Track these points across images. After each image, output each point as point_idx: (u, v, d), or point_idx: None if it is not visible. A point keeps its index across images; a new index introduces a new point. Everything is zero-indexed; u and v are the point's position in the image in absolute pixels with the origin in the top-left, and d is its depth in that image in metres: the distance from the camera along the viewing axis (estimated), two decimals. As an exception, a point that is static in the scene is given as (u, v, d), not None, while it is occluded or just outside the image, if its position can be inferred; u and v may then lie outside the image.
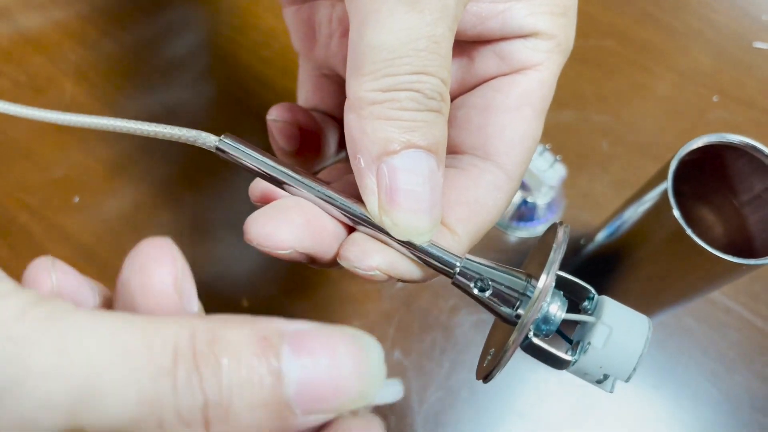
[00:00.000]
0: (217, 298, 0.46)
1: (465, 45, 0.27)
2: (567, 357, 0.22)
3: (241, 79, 0.55)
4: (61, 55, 0.54)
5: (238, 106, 0.53)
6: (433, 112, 0.22)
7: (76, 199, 0.49)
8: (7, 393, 0.14)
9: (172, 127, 0.24)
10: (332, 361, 0.18)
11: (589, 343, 0.22)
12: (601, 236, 0.44)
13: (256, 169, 0.23)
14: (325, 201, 0.23)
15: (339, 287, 0.46)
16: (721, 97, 0.55)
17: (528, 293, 0.22)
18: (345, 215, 0.23)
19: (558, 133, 0.51)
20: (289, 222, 0.23)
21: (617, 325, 0.22)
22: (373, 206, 0.22)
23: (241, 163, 0.23)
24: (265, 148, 0.30)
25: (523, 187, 0.46)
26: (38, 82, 0.53)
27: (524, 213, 0.47)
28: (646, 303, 0.43)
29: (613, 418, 0.44)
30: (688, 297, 0.40)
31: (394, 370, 0.44)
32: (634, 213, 0.39)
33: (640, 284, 0.42)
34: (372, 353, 0.18)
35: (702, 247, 0.33)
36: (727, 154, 0.37)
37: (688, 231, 0.33)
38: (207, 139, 0.24)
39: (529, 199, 0.47)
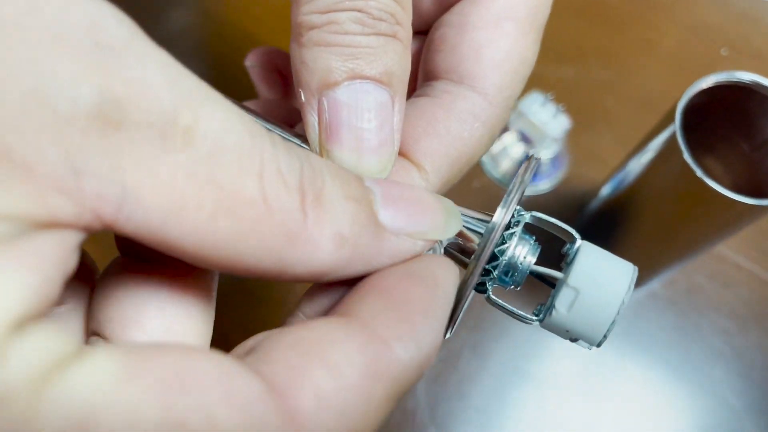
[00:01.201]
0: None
1: None
2: (530, 317, 0.20)
3: (234, 47, 0.53)
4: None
5: (234, 72, 0.52)
6: (384, 36, 0.19)
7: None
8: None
9: None
10: (416, 192, 0.19)
11: (553, 306, 0.19)
12: (606, 190, 0.42)
13: None
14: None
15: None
16: (730, 51, 0.53)
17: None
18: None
19: (562, 90, 0.49)
20: None
21: (586, 286, 0.19)
22: (315, 145, 0.20)
23: None
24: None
25: (525, 140, 0.45)
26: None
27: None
28: (654, 256, 0.41)
29: (621, 377, 0.42)
30: (698, 247, 0.39)
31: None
32: (638, 163, 0.38)
33: (649, 236, 0.40)
34: (450, 203, 0.19)
35: (713, 188, 0.32)
36: (737, 96, 0.35)
37: (699, 172, 0.32)
38: None
39: (531, 154, 0.45)
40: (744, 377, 0.43)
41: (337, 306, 0.18)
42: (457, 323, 0.20)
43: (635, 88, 0.51)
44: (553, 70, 0.50)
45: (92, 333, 0.18)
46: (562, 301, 0.19)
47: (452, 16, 0.24)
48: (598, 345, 0.19)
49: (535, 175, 0.46)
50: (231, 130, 0.15)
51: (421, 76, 0.24)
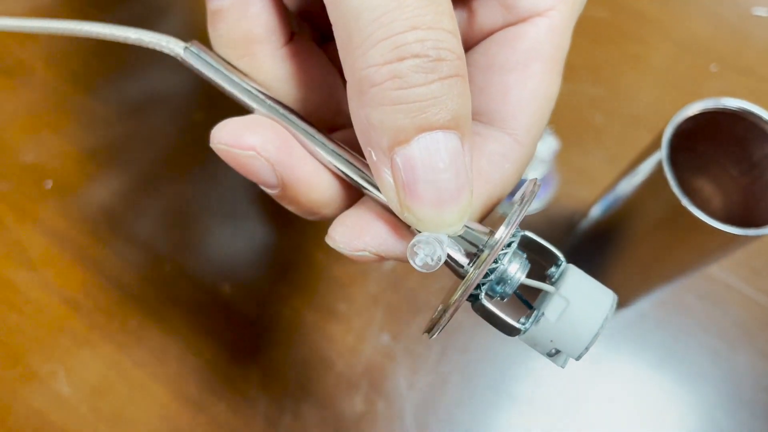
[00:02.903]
0: (199, 284, 0.44)
1: None
2: (517, 325, 0.21)
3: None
4: (30, 38, 0.53)
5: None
6: (448, 79, 0.18)
7: (48, 185, 0.47)
8: None
9: (136, 29, 0.23)
10: None
11: (542, 314, 0.20)
12: (595, 211, 0.42)
13: (221, 86, 0.22)
14: (307, 141, 0.22)
15: (323, 270, 0.45)
16: (719, 67, 0.53)
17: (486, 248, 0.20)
18: (312, 146, 0.22)
19: (550, 107, 0.49)
20: (257, 127, 0.21)
21: (576, 299, 0.20)
22: (394, 203, 0.20)
23: (207, 77, 0.22)
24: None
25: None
26: (7, 63, 0.52)
27: (517, 189, 0.45)
28: (643, 279, 0.41)
29: (611, 399, 0.42)
30: (686, 271, 0.38)
31: (382, 354, 0.42)
32: (628, 186, 0.37)
33: (637, 260, 0.40)
34: None
35: (699, 218, 0.31)
36: (724, 121, 0.35)
37: (684, 201, 0.32)
38: (174, 45, 0.22)
39: (520, 175, 0.45)
40: (733, 397, 0.42)
41: None
42: (443, 327, 0.20)
43: (625, 105, 0.51)
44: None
45: None
46: (552, 310, 0.20)
47: (478, 56, 0.24)
48: (578, 358, 0.20)
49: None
50: None
51: None
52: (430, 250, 0.20)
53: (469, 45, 0.24)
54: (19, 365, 0.42)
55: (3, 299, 0.43)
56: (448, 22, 0.18)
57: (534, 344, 0.21)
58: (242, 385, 0.41)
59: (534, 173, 0.45)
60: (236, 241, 0.46)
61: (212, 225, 0.46)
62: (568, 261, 0.22)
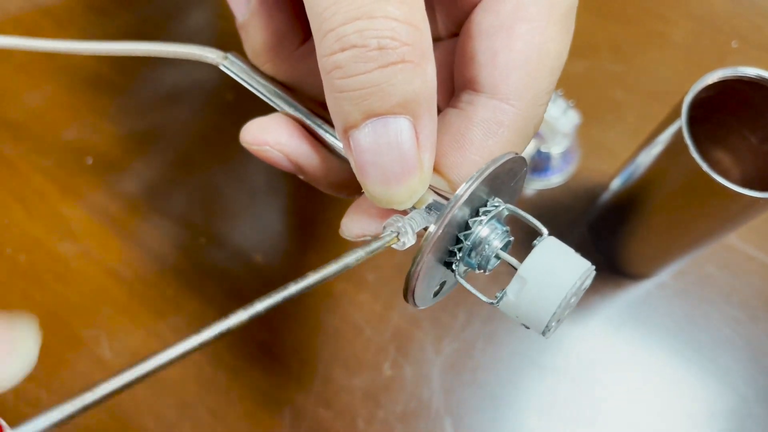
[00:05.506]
0: (233, 255, 0.46)
1: None
2: (485, 299, 0.21)
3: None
4: (68, 21, 0.55)
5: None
6: (390, 67, 0.18)
7: (89, 161, 0.49)
8: None
9: (177, 44, 0.26)
10: None
11: (505, 292, 0.21)
12: (615, 183, 0.43)
13: (252, 89, 0.25)
14: (318, 133, 0.25)
15: (351, 243, 0.46)
16: (740, 43, 0.53)
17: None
18: (323, 136, 0.25)
19: (572, 84, 0.50)
20: (270, 126, 0.24)
21: (533, 278, 0.20)
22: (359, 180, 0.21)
23: (243, 83, 0.25)
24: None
25: (536, 135, 0.45)
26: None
27: (538, 163, 0.46)
28: (664, 249, 0.42)
29: (633, 367, 0.43)
30: (706, 239, 0.39)
31: (409, 321, 0.44)
32: (647, 156, 0.38)
33: (658, 230, 0.41)
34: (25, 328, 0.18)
35: (720, 183, 0.32)
36: (743, 90, 0.36)
37: (705, 167, 0.32)
38: (216, 56, 0.25)
39: (542, 149, 0.46)
40: (754, 365, 0.43)
41: None
42: (415, 290, 0.21)
43: (646, 81, 0.52)
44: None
45: None
46: (512, 289, 0.20)
47: (469, 26, 0.24)
48: (544, 334, 0.20)
49: (546, 170, 0.47)
50: None
51: (456, 84, 0.25)
52: (399, 235, 0.21)
53: (465, 14, 0.25)
54: (64, 331, 0.44)
55: (48, 269, 0.46)
56: (394, 9, 0.18)
57: (508, 317, 0.21)
58: (275, 351, 0.43)
59: (556, 147, 0.46)
60: (267, 215, 0.47)
61: (244, 199, 0.48)
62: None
